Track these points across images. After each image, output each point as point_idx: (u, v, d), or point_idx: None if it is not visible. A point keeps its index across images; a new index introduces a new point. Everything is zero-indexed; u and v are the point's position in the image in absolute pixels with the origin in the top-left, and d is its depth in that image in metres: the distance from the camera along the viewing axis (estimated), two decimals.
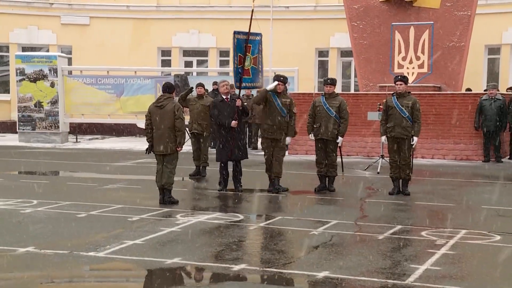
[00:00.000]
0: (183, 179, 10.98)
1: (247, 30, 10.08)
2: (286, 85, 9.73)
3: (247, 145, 10.78)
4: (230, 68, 15.64)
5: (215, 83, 16.35)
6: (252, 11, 10.04)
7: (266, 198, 9.74)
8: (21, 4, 23.56)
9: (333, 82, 10.22)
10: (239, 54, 10.07)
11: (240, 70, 10.08)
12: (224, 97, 10.16)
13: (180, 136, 8.74)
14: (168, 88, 8.99)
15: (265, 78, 11.03)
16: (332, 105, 10.08)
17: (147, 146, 8.88)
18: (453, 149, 15.48)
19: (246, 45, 10.01)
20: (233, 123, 9.87)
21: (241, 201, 9.49)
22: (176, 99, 10.83)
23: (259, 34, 10.30)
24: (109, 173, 12.69)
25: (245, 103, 10.37)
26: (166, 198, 8.96)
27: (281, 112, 9.97)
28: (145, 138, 8.96)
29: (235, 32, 10.08)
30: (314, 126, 10.22)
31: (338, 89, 21.64)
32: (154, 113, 8.85)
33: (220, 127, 10.00)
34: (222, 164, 10.17)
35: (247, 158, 10.23)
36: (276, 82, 9.95)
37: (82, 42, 23.40)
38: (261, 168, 13.83)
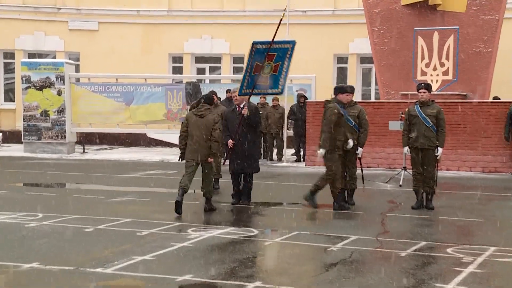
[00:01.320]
0: (194, 192, 10.99)
1: (271, 38, 10.07)
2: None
3: (258, 157, 10.72)
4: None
5: (228, 91, 16.40)
6: (281, 19, 10.17)
7: (282, 212, 9.72)
8: (27, 10, 23.81)
9: (351, 90, 10.20)
10: (256, 62, 10.09)
11: (250, 78, 10.08)
12: (237, 106, 10.18)
13: (216, 147, 9.27)
14: (208, 100, 9.56)
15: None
16: (351, 114, 10.06)
17: (180, 153, 9.48)
18: (480, 160, 15.35)
19: (268, 54, 10.03)
20: (229, 142, 9.94)
21: (255, 215, 9.48)
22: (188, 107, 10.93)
23: (292, 42, 10.38)
24: (117, 185, 12.75)
25: (259, 112, 10.36)
26: (206, 206, 9.44)
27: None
28: (179, 145, 9.54)
29: (254, 43, 10.10)
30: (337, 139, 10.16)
31: (357, 97, 21.62)
32: (193, 121, 9.33)
33: (229, 137, 10.03)
34: (234, 176, 10.19)
35: (257, 171, 10.19)
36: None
37: (90, 48, 23.60)
38: (277, 180, 13.88)
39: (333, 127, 9.57)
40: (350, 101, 10.12)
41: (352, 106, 10.17)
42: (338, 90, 10.03)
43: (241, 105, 10.12)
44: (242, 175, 10.14)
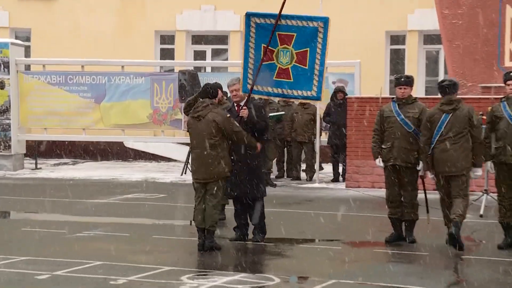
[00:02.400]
0: (191, 223, 11.01)
1: (295, 10, 10.10)
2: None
3: (263, 176, 10.68)
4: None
5: None
6: None
7: (313, 252, 9.68)
8: None
9: (409, 82, 10.19)
10: (263, 45, 10.09)
11: (254, 67, 10.07)
12: (236, 105, 10.19)
13: (247, 138, 9.51)
14: (206, 92, 9.57)
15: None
16: (408, 116, 10.06)
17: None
18: None
19: (281, 34, 9.99)
20: None
21: (276, 256, 9.46)
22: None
23: (322, 19, 10.18)
24: (83, 215, 12.74)
25: (266, 111, 10.26)
26: (208, 242, 9.37)
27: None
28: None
29: (250, 15, 10.10)
30: (383, 147, 10.20)
31: (419, 91, 21.54)
32: (192, 127, 9.50)
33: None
34: (235, 202, 10.25)
35: (262, 195, 10.13)
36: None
37: (45, 24, 23.66)
38: (306, 208, 13.79)
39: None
40: (407, 97, 10.13)
41: (411, 104, 10.17)
42: (394, 82, 10.15)
43: (241, 105, 10.09)
44: (246, 201, 10.15)
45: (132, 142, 21.57)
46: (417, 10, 22.12)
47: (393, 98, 10.44)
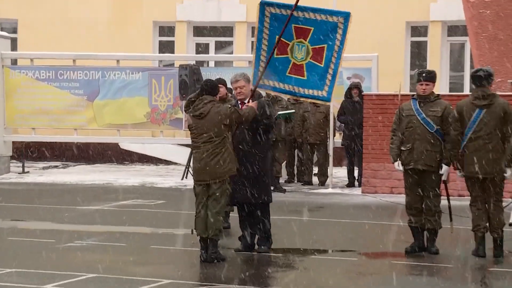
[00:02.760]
0: (192, 232, 11.04)
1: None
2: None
3: (270, 180, 10.72)
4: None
5: None
6: None
7: (327, 264, 9.71)
8: None
9: (431, 78, 10.25)
10: (277, 37, 10.13)
11: (265, 60, 10.13)
12: (240, 103, 10.22)
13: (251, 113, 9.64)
14: (206, 88, 9.67)
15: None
16: (430, 114, 10.11)
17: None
18: None
19: (297, 26, 10.05)
20: None
21: (285, 268, 9.48)
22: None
23: (344, 14, 10.20)
24: (75, 223, 12.77)
25: (272, 108, 10.30)
26: (211, 253, 9.38)
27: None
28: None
29: (265, 3, 10.14)
30: (402, 148, 10.24)
31: (442, 87, 21.53)
32: (193, 127, 9.62)
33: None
34: (239, 208, 10.31)
35: (268, 201, 10.18)
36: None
37: (33, 14, 23.72)
38: (318, 215, 13.78)
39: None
40: (428, 94, 10.19)
41: (433, 101, 10.21)
42: (415, 78, 10.22)
43: (245, 102, 10.16)
44: (249, 208, 10.21)
45: (128, 144, 21.51)
46: None
47: (413, 95, 10.45)
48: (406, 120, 10.22)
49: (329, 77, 10.26)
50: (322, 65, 10.21)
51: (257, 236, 10.27)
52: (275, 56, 10.18)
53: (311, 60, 10.22)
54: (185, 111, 10.68)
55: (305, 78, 10.23)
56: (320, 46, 10.17)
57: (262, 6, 10.21)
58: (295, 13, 10.09)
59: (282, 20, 10.13)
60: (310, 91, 10.36)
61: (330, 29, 10.17)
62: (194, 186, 9.88)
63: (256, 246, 10.25)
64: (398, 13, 22.32)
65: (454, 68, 22.91)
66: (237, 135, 9.98)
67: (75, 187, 17.71)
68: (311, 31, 10.14)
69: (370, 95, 17.02)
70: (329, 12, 10.26)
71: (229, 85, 11.18)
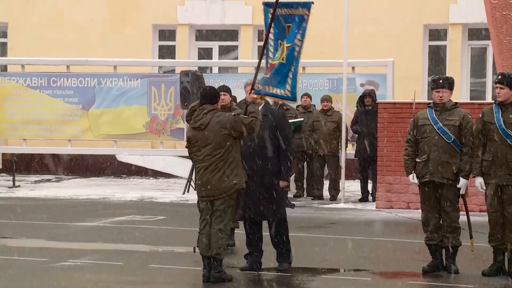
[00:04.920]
0: (194, 251, 11.04)
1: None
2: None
3: (285, 194, 10.71)
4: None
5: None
6: None
7: (336, 284, 9.69)
8: None
9: (448, 84, 10.21)
10: (279, 41, 10.09)
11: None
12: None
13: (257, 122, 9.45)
14: (207, 97, 9.65)
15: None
16: (447, 124, 10.09)
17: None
18: None
19: (285, 25, 10.05)
20: None
21: (293, 287, 9.43)
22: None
23: (307, 5, 10.06)
24: (69, 240, 12.75)
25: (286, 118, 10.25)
26: (215, 273, 9.36)
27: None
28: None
29: (268, 4, 10.13)
30: (417, 160, 10.21)
31: (462, 95, 21.49)
32: (194, 139, 9.57)
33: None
34: (247, 226, 10.29)
35: (281, 217, 10.17)
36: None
37: (25, 17, 23.77)
38: (329, 232, 13.74)
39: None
40: (445, 102, 10.15)
41: (450, 110, 10.18)
42: (431, 84, 10.21)
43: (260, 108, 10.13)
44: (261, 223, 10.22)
45: (126, 156, 21.52)
46: (461, 0, 22.14)
47: (429, 103, 10.40)
48: (421, 129, 10.18)
49: (290, 75, 10.11)
50: (285, 62, 10.06)
51: (263, 253, 10.23)
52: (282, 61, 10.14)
53: (282, 62, 10.08)
54: (186, 121, 10.65)
55: (269, 76, 10.05)
56: (289, 44, 10.04)
57: (266, 8, 10.17)
58: (278, 11, 10.00)
59: (280, 20, 10.11)
60: (278, 91, 10.11)
61: (299, 23, 10.07)
62: (198, 201, 9.85)
63: (265, 265, 10.17)
64: (415, 15, 22.33)
65: (475, 74, 22.88)
66: (247, 145, 9.96)
67: (69, 202, 17.71)
68: (291, 28, 10.10)
69: (385, 103, 16.99)
70: (297, 4, 10.11)
71: (235, 93, 11.16)
